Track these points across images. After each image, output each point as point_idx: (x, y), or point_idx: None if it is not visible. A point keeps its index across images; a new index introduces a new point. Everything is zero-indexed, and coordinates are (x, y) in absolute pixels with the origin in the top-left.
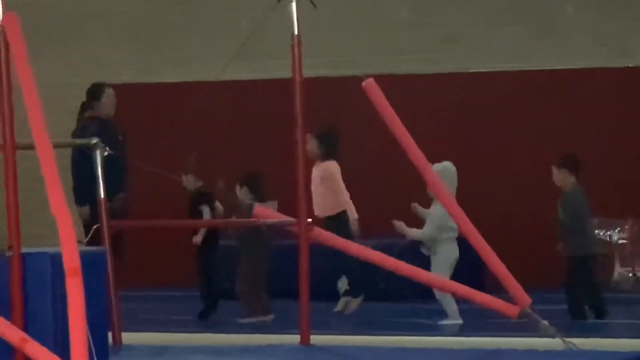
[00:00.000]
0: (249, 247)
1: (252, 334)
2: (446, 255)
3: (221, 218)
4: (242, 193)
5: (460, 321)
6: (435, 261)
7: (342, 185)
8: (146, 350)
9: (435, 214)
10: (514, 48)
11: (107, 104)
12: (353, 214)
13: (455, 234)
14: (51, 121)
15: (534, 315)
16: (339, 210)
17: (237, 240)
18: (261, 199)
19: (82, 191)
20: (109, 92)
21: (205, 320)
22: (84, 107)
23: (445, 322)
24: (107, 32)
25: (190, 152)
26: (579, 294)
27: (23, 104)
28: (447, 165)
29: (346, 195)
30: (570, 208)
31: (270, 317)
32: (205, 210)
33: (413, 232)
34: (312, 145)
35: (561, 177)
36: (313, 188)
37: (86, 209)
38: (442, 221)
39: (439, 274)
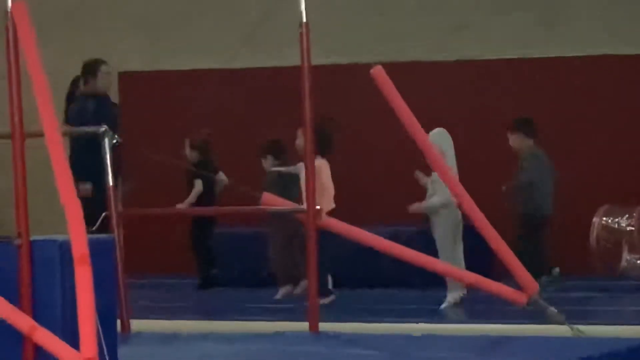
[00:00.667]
0: (281, 227)
1: (261, 321)
2: (446, 220)
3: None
4: (267, 162)
5: (463, 292)
6: (437, 227)
7: (327, 185)
8: (155, 337)
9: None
10: (522, 35)
11: (103, 80)
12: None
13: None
14: (58, 109)
15: (542, 303)
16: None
17: (268, 221)
18: (285, 164)
19: (82, 168)
20: (106, 69)
21: (207, 288)
22: (75, 83)
23: (445, 305)
24: (115, 20)
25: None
26: (532, 251)
27: (31, 93)
28: (442, 131)
29: (327, 196)
30: (524, 170)
31: (332, 297)
32: (198, 183)
33: (428, 203)
34: (302, 140)
35: (517, 141)
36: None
37: (88, 186)
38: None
39: (441, 238)
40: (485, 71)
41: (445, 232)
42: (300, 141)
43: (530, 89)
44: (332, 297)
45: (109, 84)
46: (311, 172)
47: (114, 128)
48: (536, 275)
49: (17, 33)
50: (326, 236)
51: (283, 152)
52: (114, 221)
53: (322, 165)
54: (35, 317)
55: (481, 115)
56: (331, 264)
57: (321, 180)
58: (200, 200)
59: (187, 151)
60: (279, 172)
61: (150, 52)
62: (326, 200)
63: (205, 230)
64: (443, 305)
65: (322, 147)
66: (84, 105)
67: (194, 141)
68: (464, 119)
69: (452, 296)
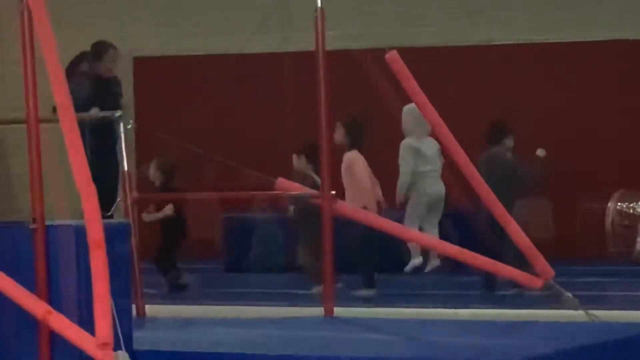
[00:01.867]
0: (309, 221)
1: (277, 307)
2: (419, 195)
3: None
4: (299, 162)
5: (419, 259)
6: (409, 204)
7: (362, 177)
8: (170, 322)
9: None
10: (537, 20)
11: (107, 65)
12: (371, 205)
13: (432, 168)
14: None
15: (558, 288)
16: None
17: (296, 214)
18: (317, 169)
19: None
20: (114, 54)
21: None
22: (76, 61)
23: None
24: (129, 4)
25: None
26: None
27: (45, 79)
28: (406, 109)
29: (364, 188)
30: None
31: (373, 292)
32: (168, 208)
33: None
34: (339, 133)
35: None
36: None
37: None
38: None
39: (409, 215)
40: (500, 56)
41: (414, 204)
42: (337, 134)
43: (547, 73)
44: (373, 291)
45: (114, 69)
46: (327, 156)
47: (113, 107)
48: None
49: (32, 16)
50: (370, 229)
51: (317, 157)
52: (129, 206)
53: (355, 158)
54: (51, 302)
55: (497, 100)
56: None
57: (355, 175)
58: (171, 226)
59: (152, 171)
60: (305, 175)
61: (165, 37)
62: (364, 195)
63: (172, 246)
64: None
65: (354, 141)
66: (79, 84)
67: (160, 163)
68: (479, 103)
69: (413, 262)
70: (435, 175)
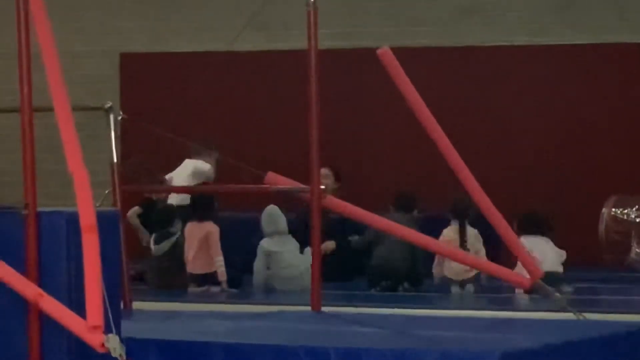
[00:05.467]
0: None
1: (265, 304)
2: None
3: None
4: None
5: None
6: None
7: None
8: (157, 314)
9: None
10: (532, 21)
11: None
12: None
13: None
14: None
15: (546, 287)
16: None
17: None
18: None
19: None
20: None
21: None
22: None
23: None
24: (118, 0)
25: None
26: None
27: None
28: None
29: None
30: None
31: None
32: (146, 236)
33: None
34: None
35: None
36: None
37: None
38: None
39: None
40: (494, 57)
41: None
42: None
43: (541, 76)
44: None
45: None
46: (317, 152)
47: None
48: None
49: (29, 6)
50: None
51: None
52: (117, 197)
53: None
54: (42, 287)
55: (489, 102)
56: None
57: None
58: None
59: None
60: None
61: (153, 34)
62: None
63: None
64: None
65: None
66: None
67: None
68: (473, 105)
69: None
70: None
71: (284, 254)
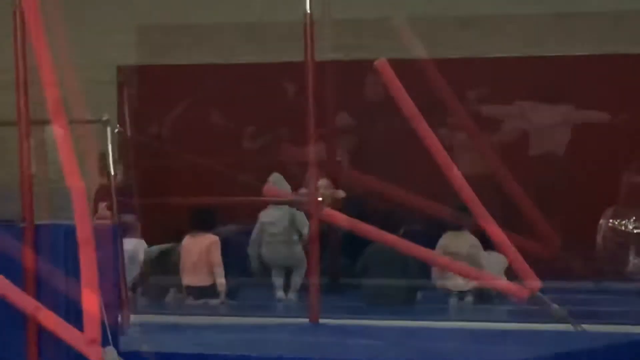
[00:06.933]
0: None
1: (263, 316)
2: None
3: None
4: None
5: None
6: None
7: None
8: (156, 327)
9: None
10: (530, 33)
11: None
12: None
13: None
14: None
15: (545, 299)
16: None
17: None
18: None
19: None
20: None
21: None
22: None
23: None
24: (114, 13)
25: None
26: None
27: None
28: None
29: None
30: None
31: None
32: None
33: None
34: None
35: None
36: None
37: None
38: None
39: None
40: (491, 69)
41: None
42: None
43: (538, 87)
44: None
45: None
46: (315, 163)
47: None
48: None
49: (25, 17)
50: None
51: None
52: (114, 209)
53: None
54: (39, 300)
55: (487, 113)
56: None
57: None
58: None
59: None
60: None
61: (150, 46)
62: None
63: None
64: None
65: None
66: None
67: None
68: (471, 116)
69: None
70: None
71: (276, 224)
